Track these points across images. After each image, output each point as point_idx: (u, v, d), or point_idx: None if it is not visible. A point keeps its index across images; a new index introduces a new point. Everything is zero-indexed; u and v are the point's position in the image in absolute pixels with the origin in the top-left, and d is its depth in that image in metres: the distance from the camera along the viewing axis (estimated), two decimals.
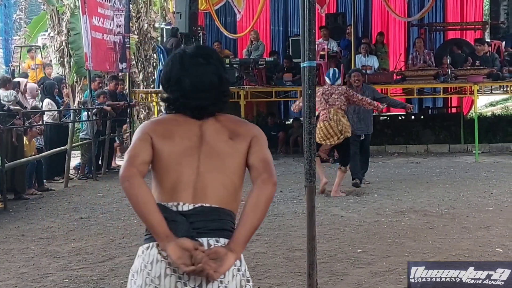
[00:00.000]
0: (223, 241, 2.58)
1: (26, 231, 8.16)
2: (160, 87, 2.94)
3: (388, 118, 19.93)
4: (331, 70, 10.50)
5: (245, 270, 2.64)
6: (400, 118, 19.69)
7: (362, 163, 11.13)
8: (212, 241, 2.56)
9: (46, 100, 13.04)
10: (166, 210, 2.58)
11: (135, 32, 21.51)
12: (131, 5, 18.54)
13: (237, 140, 2.69)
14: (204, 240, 2.55)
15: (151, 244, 2.60)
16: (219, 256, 2.48)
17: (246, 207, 2.57)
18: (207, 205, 2.60)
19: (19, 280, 5.97)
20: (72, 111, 13.21)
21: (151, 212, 2.52)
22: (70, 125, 12.62)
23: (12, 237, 7.82)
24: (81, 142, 13.40)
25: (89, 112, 13.36)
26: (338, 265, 6.16)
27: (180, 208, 2.59)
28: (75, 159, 13.95)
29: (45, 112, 12.65)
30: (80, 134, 13.82)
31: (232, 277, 2.57)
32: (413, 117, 19.45)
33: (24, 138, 11.25)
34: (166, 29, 17.83)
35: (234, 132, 2.70)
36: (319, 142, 9.70)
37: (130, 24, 18.21)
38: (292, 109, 10.74)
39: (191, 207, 2.59)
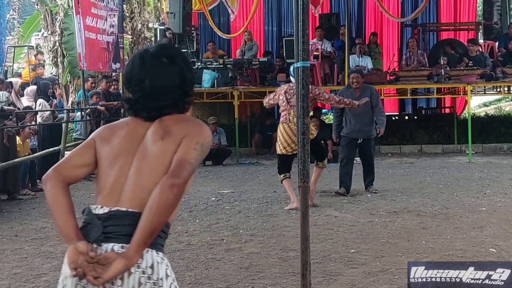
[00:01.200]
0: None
1: (20, 231, 8.14)
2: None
3: None
4: (292, 66, 9.24)
5: (146, 267, 2.49)
6: (393, 118, 19.72)
7: (366, 171, 10.61)
8: (117, 247, 2.48)
9: (39, 100, 13.01)
10: (88, 213, 2.58)
11: (129, 32, 21.49)
12: (124, 5, 18.53)
13: (167, 140, 2.59)
14: (109, 246, 2.49)
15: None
16: (108, 262, 2.41)
17: (144, 209, 2.47)
18: (123, 209, 2.53)
19: (12, 281, 5.96)
20: (65, 111, 13.18)
21: (58, 214, 2.54)
22: (63, 125, 12.60)
23: (6, 238, 7.80)
24: (74, 143, 13.37)
25: (83, 113, 13.34)
26: (331, 265, 6.16)
27: (96, 211, 2.57)
28: None
29: (39, 112, 12.62)
30: (74, 134, 13.79)
31: (128, 275, 2.47)
32: (406, 117, 19.50)
33: (18, 138, 11.22)
34: (159, 29, 17.82)
35: (168, 132, 2.61)
36: (281, 153, 8.98)
37: (124, 24, 18.21)
38: (264, 104, 9.79)
39: (106, 210, 2.55)
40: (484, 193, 10.01)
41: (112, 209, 2.54)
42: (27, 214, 9.33)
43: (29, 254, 6.92)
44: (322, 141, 15.02)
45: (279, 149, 8.97)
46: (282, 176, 9.16)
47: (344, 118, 10.42)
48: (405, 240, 7.12)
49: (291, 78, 9.21)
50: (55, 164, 2.67)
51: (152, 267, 2.51)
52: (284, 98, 8.92)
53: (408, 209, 8.92)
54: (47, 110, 12.84)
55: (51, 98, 13.56)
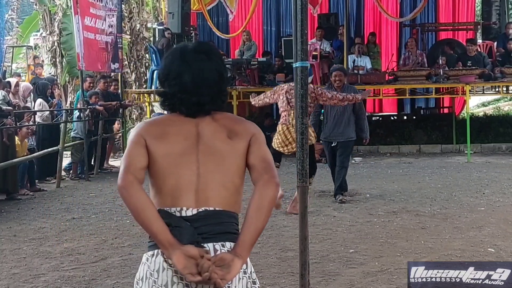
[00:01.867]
0: (228, 245, 2.53)
1: (18, 231, 8.13)
2: (156, 83, 2.87)
3: (380, 118, 19.97)
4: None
5: (251, 272, 2.59)
6: (392, 118, 19.73)
7: (335, 177, 9.81)
8: (218, 245, 2.50)
9: (39, 100, 13.00)
10: (169, 216, 2.51)
11: (127, 32, 21.48)
12: (123, 5, 18.51)
13: (235, 139, 2.61)
14: (210, 245, 2.49)
15: (155, 251, 2.53)
16: (226, 263, 2.41)
17: (250, 209, 2.51)
18: (211, 208, 2.53)
19: (11, 281, 5.96)
20: (64, 111, 13.17)
21: (152, 220, 2.44)
22: (62, 125, 12.59)
23: (4, 238, 7.80)
24: (73, 143, 13.36)
25: (81, 113, 13.33)
26: (330, 265, 6.17)
27: (183, 213, 2.52)
28: (68, 160, 13.92)
29: (37, 112, 12.61)
30: (72, 133, 13.78)
31: (238, 280, 2.51)
32: (405, 117, 19.50)
33: (16, 138, 11.22)
34: (158, 29, 17.81)
35: (232, 131, 2.62)
36: (277, 149, 8.70)
37: (123, 24, 18.20)
38: (253, 103, 9.40)
39: (194, 211, 2.52)
40: (482, 193, 10.02)
41: (200, 210, 2.52)
42: (26, 214, 9.32)
43: (28, 254, 6.91)
44: (321, 141, 15.07)
45: (276, 146, 8.69)
46: None
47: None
48: (403, 240, 7.12)
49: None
50: (123, 169, 2.53)
51: (251, 272, 2.61)
52: (285, 98, 8.62)
53: (407, 209, 8.92)
54: (45, 110, 12.83)
55: (49, 98, 13.56)
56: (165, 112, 2.78)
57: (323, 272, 5.91)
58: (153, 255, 2.54)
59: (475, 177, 11.91)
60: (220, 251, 2.49)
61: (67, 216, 9.02)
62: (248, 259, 2.58)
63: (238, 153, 2.60)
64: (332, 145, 9.67)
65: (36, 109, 12.86)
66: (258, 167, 2.59)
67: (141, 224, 2.47)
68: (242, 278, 2.53)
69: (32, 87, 13.85)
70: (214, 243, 2.50)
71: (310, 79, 8.61)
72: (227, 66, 15.76)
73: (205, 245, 2.48)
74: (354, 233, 7.56)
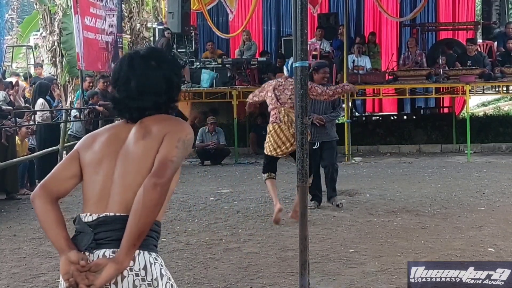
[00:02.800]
0: None
1: (18, 231, 8.14)
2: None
3: (380, 118, 19.98)
4: (290, 59, 8.31)
5: (139, 269, 2.50)
6: (392, 118, 19.73)
7: (326, 181, 9.30)
8: (108, 252, 2.49)
9: (40, 100, 13.00)
10: (79, 222, 2.59)
11: (128, 32, 21.49)
12: (123, 5, 18.52)
13: (148, 139, 2.57)
14: (100, 252, 2.49)
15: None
16: (100, 268, 2.43)
17: (130, 213, 2.47)
18: (111, 214, 2.53)
19: (11, 281, 5.96)
20: (64, 111, 13.17)
21: (49, 229, 2.57)
22: (62, 125, 12.59)
23: (4, 237, 7.80)
24: (72, 142, 13.35)
25: (80, 113, 13.33)
26: (330, 265, 6.16)
27: (86, 219, 2.57)
28: None
29: (38, 112, 12.61)
30: (69, 131, 13.77)
31: (121, 279, 2.47)
32: (405, 117, 19.50)
33: (16, 138, 11.22)
34: (158, 29, 17.81)
35: (148, 132, 2.59)
36: (269, 154, 8.16)
37: (123, 24, 18.20)
38: (248, 101, 8.82)
39: (95, 217, 2.55)
40: (482, 193, 10.01)
41: (101, 215, 2.54)
42: (26, 214, 9.33)
43: (28, 254, 6.91)
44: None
45: (268, 150, 8.19)
46: (266, 175, 8.25)
47: None
48: (404, 239, 7.12)
49: (284, 72, 8.44)
50: (42, 181, 2.67)
51: (145, 268, 2.51)
52: (273, 95, 8.08)
53: (407, 208, 8.92)
54: (45, 110, 12.82)
55: (48, 98, 13.55)
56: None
57: (323, 272, 5.91)
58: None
59: (475, 177, 11.91)
60: (109, 257, 2.49)
61: (66, 216, 8.88)
62: (144, 256, 2.51)
63: (147, 154, 2.55)
64: (315, 147, 8.85)
65: (37, 109, 12.85)
66: (153, 168, 2.51)
67: (45, 233, 2.62)
68: (128, 276, 2.48)
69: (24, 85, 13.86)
70: (106, 250, 2.50)
71: None
72: (226, 66, 15.78)
73: (97, 251, 2.50)
74: (354, 232, 7.56)
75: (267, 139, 8.20)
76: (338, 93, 8.69)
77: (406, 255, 6.37)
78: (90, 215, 2.56)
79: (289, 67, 8.12)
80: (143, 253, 2.52)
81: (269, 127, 8.16)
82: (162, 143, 2.54)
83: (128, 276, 2.48)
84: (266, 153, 8.28)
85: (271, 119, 8.13)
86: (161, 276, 2.54)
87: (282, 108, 7.98)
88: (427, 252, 6.52)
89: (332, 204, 9.08)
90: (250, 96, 8.71)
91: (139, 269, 2.50)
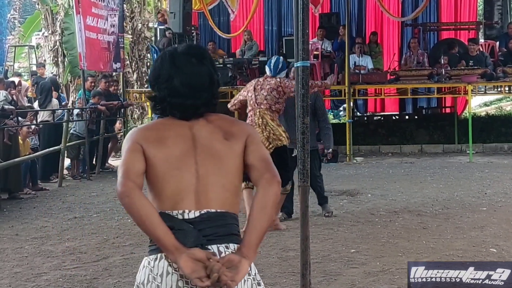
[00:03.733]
0: (232, 246, 2.51)
1: (20, 230, 8.14)
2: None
3: (382, 118, 19.97)
4: (274, 58, 7.96)
5: (255, 273, 2.57)
6: (394, 118, 19.73)
7: (313, 188, 8.19)
8: (222, 247, 2.49)
9: (55, 101, 13.07)
10: (172, 219, 2.48)
11: (129, 32, 21.48)
12: (125, 5, 18.52)
13: (232, 140, 2.59)
14: (214, 248, 2.47)
15: (159, 255, 2.50)
16: (233, 264, 2.39)
17: (254, 209, 2.50)
18: (213, 210, 2.51)
19: (13, 280, 5.96)
20: (66, 110, 13.18)
21: (155, 225, 2.41)
22: (64, 124, 12.60)
23: (6, 237, 7.81)
24: (74, 142, 13.36)
25: (83, 112, 13.34)
26: (331, 265, 6.16)
27: (186, 216, 2.49)
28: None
29: (45, 112, 12.68)
30: (71, 130, 13.79)
31: (243, 282, 2.48)
32: (407, 117, 19.50)
33: (19, 137, 11.24)
34: (160, 29, 17.81)
35: (228, 132, 2.61)
36: None
37: (124, 24, 18.20)
38: (229, 107, 8.14)
39: (197, 214, 2.50)
40: (484, 193, 10.01)
41: (203, 212, 2.50)
42: (28, 213, 9.34)
43: (30, 253, 6.92)
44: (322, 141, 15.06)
45: None
46: (243, 184, 7.01)
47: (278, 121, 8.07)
48: (405, 240, 7.11)
49: (266, 70, 7.80)
50: (122, 175, 2.49)
51: (255, 273, 2.59)
52: (253, 95, 7.61)
53: (409, 209, 8.92)
54: (46, 110, 12.84)
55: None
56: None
57: (324, 272, 5.91)
58: (156, 259, 2.50)
59: (477, 177, 11.91)
60: (225, 253, 2.47)
61: (69, 215, 9.03)
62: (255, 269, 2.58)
63: (235, 153, 2.59)
64: (293, 154, 7.60)
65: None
66: (258, 167, 2.58)
67: (144, 230, 2.44)
68: (247, 280, 2.50)
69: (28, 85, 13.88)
70: (218, 245, 2.48)
71: (283, 74, 7.76)
72: (227, 66, 15.80)
73: (210, 247, 2.46)
74: (355, 233, 7.55)
75: None
76: (317, 86, 8.28)
77: (407, 255, 6.37)
78: (190, 211, 2.50)
79: (271, 66, 7.70)
80: None
81: None
82: (251, 145, 2.61)
83: (247, 280, 2.51)
84: None
85: (247, 121, 7.62)
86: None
87: (258, 110, 7.54)
88: (428, 252, 6.52)
89: (322, 212, 8.55)
90: (232, 101, 8.17)
91: (255, 273, 2.58)
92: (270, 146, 7.44)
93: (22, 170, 11.18)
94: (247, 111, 7.79)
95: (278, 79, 7.63)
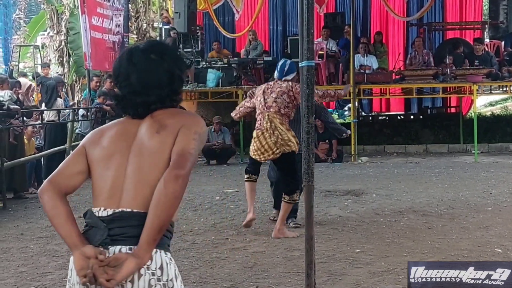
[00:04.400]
0: None
1: (25, 230, 8.16)
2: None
3: (387, 118, 19.95)
4: (282, 61, 7.90)
5: (156, 268, 2.45)
6: (399, 117, 19.70)
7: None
8: (124, 249, 2.43)
9: (60, 100, 13.09)
10: (91, 216, 2.53)
11: (134, 32, 21.55)
12: (130, 5, 18.55)
13: (163, 133, 2.53)
14: (116, 248, 2.43)
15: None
16: (119, 262, 2.36)
17: (150, 207, 2.42)
18: (128, 210, 2.47)
19: (18, 279, 5.98)
20: (71, 110, 13.21)
21: (59, 225, 2.50)
22: (69, 124, 12.63)
23: (11, 236, 7.83)
24: (79, 142, 13.38)
25: (88, 112, 13.37)
26: (336, 265, 6.16)
27: (100, 214, 2.51)
28: None
29: (51, 112, 12.71)
30: (77, 130, 13.80)
31: (138, 277, 2.41)
32: (412, 117, 19.47)
33: (24, 137, 11.27)
34: (164, 28, 17.83)
35: (162, 125, 2.55)
36: (253, 156, 7.62)
37: (129, 23, 18.23)
38: (233, 115, 8.39)
39: (110, 212, 2.49)
40: (490, 193, 9.99)
41: (116, 211, 2.48)
42: (33, 212, 9.36)
43: (35, 253, 6.94)
44: (327, 140, 15.11)
45: (252, 153, 7.65)
46: (246, 176, 7.78)
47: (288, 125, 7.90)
48: (410, 240, 7.10)
49: (275, 75, 7.74)
50: (49, 176, 2.62)
51: (161, 268, 2.46)
52: (262, 99, 7.53)
53: (414, 209, 8.90)
54: (52, 110, 12.86)
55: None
56: None
57: (329, 272, 5.90)
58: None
59: (482, 177, 11.88)
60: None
61: (74, 215, 9.01)
62: (160, 256, 2.47)
63: (164, 147, 2.51)
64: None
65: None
66: (172, 160, 2.47)
67: (55, 228, 2.55)
68: (144, 275, 2.42)
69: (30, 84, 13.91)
70: (123, 246, 2.44)
71: (290, 76, 7.63)
72: (232, 66, 15.79)
73: (112, 247, 2.44)
74: (360, 232, 7.55)
75: (252, 143, 7.68)
76: (330, 95, 8.10)
77: (412, 255, 6.36)
78: (105, 209, 2.51)
79: (278, 69, 7.64)
80: (160, 252, 2.46)
81: (254, 133, 7.65)
82: (178, 136, 2.51)
83: (144, 275, 2.42)
84: (250, 155, 7.79)
85: (256, 125, 7.61)
86: (175, 277, 2.51)
87: (267, 114, 7.42)
88: (433, 252, 6.51)
89: (288, 223, 7.91)
90: (241, 104, 8.21)
91: (156, 268, 2.45)
92: (277, 151, 7.36)
93: (27, 170, 11.20)
94: (256, 115, 7.70)
95: (290, 83, 7.51)
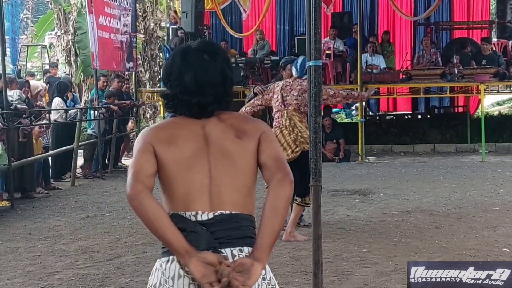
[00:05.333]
0: (247, 249, 2.44)
1: (33, 229, 8.18)
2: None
3: (394, 117, 19.92)
4: (300, 58, 7.70)
5: (270, 278, 2.50)
6: (406, 117, 19.67)
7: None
8: (235, 251, 2.42)
9: (57, 99, 13.08)
10: (184, 221, 2.43)
11: (142, 32, 21.57)
12: (137, 5, 18.58)
13: (244, 138, 2.52)
14: (227, 251, 2.41)
15: (171, 257, 2.45)
16: (245, 268, 2.32)
17: (265, 211, 2.42)
18: (227, 212, 2.45)
19: (26, 279, 5.99)
20: (79, 110, 13.23)
21: (165, 228, 2.36)
22: (77, 124, 12.65)
23: (19, 236, 7.85)
24: (87, 141, 13.41)
25: (96, 112, 13.40)
26: (344, 264, 6.16)
27: (199, 218, 2.43)
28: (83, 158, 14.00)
29: (55, 111, 12.71)
30: (89, 130, 13.82)
31: (257, 287, 2.41)
32: (419, 116, 19.44)
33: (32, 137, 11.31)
34: (172, 28, 17.86)
35: (241, 130, 2.53)
36: None
37: (137, 23, 18.26)
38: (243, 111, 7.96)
39: (210, 215, 2.43)
40: (497, 193, 9.97)
41: (216, 214, 2.44)
42: (41, 212, 9.38)
43: (43, 252, 6.95)
44: (334, 140, 15.10)
45: None
46: None
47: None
48: (417, 239, 7.10)
49: (293, 72, 7.58)
50: (131, 177, 2.44)
51: (271, 277, 2.52)
52: (280, 96, 7.46)
53: (421, 208, 8.89)
54: (61, 109, 12.89)
55: (65, 98, 13.62)
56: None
57: (336, 271, 5.90)
58: (168, 261, 2.45)
59: (489, 176, 11.86)
60: (238, 256, 2.40)
61: (81, 214, 9.06)
62: (267, 264, 2.48)
63: (248, 153, 2.52)
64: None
65: (54, 107, 12.93)
66: (270, 166, 2.50)
67: (154, 232, 2.39)
68: (261, 285, 2.43)
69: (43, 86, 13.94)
70: (232, 248, 2.42)
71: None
72: (240, 65, 15.80)
73: (223, 250, 2.40)
74: (367, 232, 7.54)
75: None
76: (353, 97, 8.01)
77: (420, 255, 6.36)
78: (203, 213, 2.44)
79: (298, 67, 7.51)
80: None
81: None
82: (263, 143, 2.53)
83: (261, 285, 2.44)
84: None
85: (274, 123, 7.56)
86: (270, 274, 2.54)
87: (286, 111, 7.39)
88: (441, 252, 6.50)
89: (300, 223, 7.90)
90: (250, 102, 7.97)
91: (270, 278, 2.50)
92: (297, 149, 7.30)
93: (35, 170, 11.24)
94: (273, 114, 7.63)
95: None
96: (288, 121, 7.36)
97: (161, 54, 21.93)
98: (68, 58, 20.81)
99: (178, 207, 2.47)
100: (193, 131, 2.53)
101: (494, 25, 18.70)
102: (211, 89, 2.55)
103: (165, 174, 2.49)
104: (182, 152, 2.49)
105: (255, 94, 7.92)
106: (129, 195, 2.41)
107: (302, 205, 7.38)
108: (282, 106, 7.41)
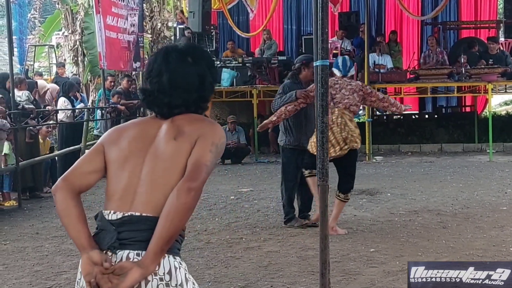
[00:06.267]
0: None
1: (41, 229, 8.21)
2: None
3: (402, 117, 19.88)
4: (340, 58, 7.90)
5: (164, 273, 2.42)
6: (413, 117, 19.63)
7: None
8: (132, 254, 2.41)
9: (62, 99, 13.09)
10: (102, 219, 2.52)
11: (149, 32, 21.58)
12: (144, 5, 18.60)
13: (180, 139, 2.50)
14: (124, 253, 2.42)
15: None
16: (124, 271, 2.34)
17: (160, 216, 2.39)
18: (137, 214, 2.45)
19: (33, 278, 6.01)
20: (86, 110, 13.26)
21: (70, 225, 2.49)
22: (84, 124, 12.67)
23: (27, 235, 7.87)
24: (94, 141, 13.43)
25: (103, 111, 13.42)
26: (351, 264, 6.15)
27: (109, 217, 2.49)
28: None
29: (61, 111, 12.73)
30: (95, 131, 13.85)
31: (145, 283, 2.40)
32: (426, 116, 19.40)
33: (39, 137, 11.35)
34: (179, 28, 17.87)
35: (180, 132, 2.52)
36: (314, 153, 7.01)
37: (144, 23, 18.27)
38: (275, 119, 7.79)
39: (119, 216, 2.47)
40: (505, 192, 9.94)
41: (126, 214, 2.47)
42: (48, 212, 9.41)
43: (50, 252, 6.98)
44: None
45: (314, 148, 6.90)
46: (308, 171, 7.59)
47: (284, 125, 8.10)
48: (425, 239, 7.09)
49: (335, 71, 7.61)
50: (64, 174, 2.60)
51: (170, 273, 2.44)
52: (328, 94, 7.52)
53: (428, 208, 8.88)
54: (68, 109, 12.91)
55: (72, 98, 13.64)
56: None
57: (343, 271, 5.90)
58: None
59: (497, 176, 11.83)
60: (132, 259, 2.41)
61: (88, 214, 8.94)
62: (170, 260, 2.45)
63: (180, 154, 2.48)
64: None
65: (59, 107, 12.95)
66: (187, 170, 2.44)
67: (65, 228, 2.54)
68: (152, 281, 2.40)
69: (58, 87, 13.95)
70: (130, 251, 2.42)
71: (352, 72, 7.81)
72: (247, 65, 15.79)
73: (120, 252, 2.43)
74: (375, 232, 7.54)
75: (314, 139, 7.25)
76: (396, 106, 8.04)
77: (427, 255, 6.35)
78: (114, 212, 2.49)
79: (340, 67, 7.61)
80: (168, 257, 2.44)
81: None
82: (196, 146, 2.48)
83: (152, 281, 2.41)
84: (310, 151, 7.45)
85: None
86: (186, 281, 2.48)
87: (336, 109, 7.35)
88: (448, 252, 6.49)
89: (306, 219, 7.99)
90: (272, 118, 7.76)
91: (164, 273, 2.42)
92: (346, 147, 7.33)
93: (43, 169, 11.27)
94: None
95: (360, 83, 7.85)
96: (339, 118, 7.38)
97: None
98: (76, 58, 20.83)
99: (104, 205, 2.58)
100: (145, 132, 2.59)
101: (501, 24, 18.65)
102: (183, 93, 2.59)
103: (107, 173, 2.60)
104: (121, 152, 2.56)
105: (297, 98, 7.71)
106: (52, 190, 2.62)
107: (344, 201, 7.61)
108: (331, 103, 7.25)
